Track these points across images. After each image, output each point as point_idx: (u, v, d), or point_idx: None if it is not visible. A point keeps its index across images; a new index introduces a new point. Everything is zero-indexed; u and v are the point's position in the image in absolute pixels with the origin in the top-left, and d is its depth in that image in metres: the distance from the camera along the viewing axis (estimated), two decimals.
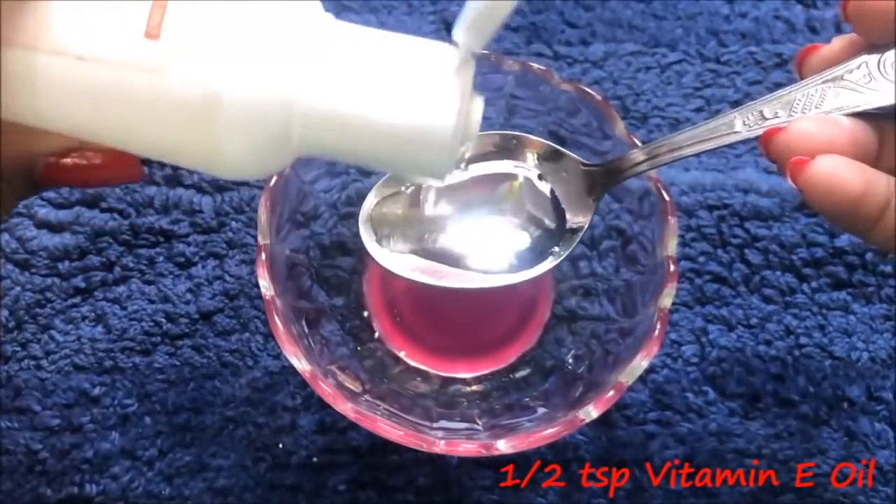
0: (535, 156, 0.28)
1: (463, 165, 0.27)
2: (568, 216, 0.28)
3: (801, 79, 0.24)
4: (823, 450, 0.34)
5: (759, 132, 0.23)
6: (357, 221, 0.28)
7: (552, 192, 0.28)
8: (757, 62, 0.39)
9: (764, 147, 0.23)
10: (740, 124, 0.24)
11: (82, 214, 0.36)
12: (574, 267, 0.35)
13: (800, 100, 0.23)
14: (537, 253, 0.28)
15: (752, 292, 0.36)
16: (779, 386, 0.34)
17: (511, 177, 0.28)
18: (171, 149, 0.19)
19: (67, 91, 0.18)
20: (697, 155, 0.25)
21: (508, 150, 0.28)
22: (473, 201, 0.29)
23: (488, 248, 0.28)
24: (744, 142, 0.24)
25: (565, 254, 0.27)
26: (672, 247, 0.28)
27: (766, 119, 0.23)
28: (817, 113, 0.23)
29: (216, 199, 0.37)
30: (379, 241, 0.28)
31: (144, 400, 0.34)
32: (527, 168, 0.28)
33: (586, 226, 0.27)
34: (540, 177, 0.28)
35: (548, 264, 0.28)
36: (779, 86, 0.38)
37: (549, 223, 0.28)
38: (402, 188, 0.29)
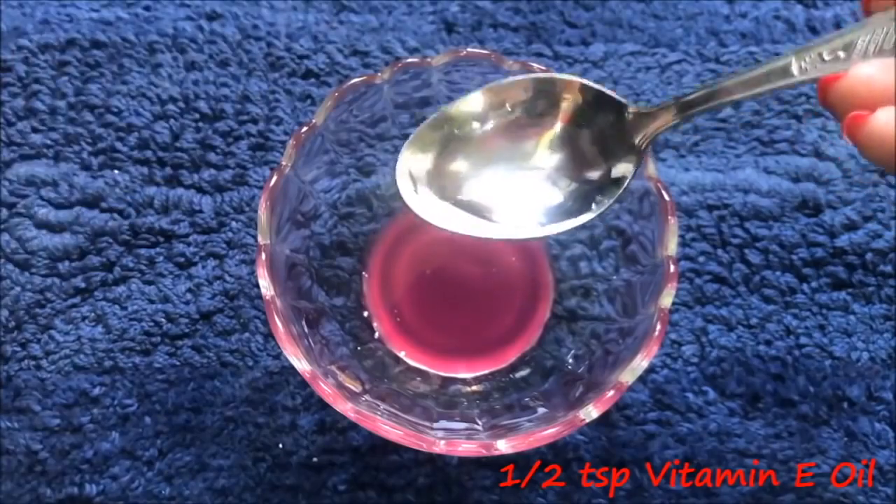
0: (579, 99, 0.27)
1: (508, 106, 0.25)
2: (612, 164, 0.26)
3: (867, 15, 0.21)
4: (823, 450, 0.34)
5: (816, 76, 0.21)
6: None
7: (595, 138, 0.27)
8: (757, 62, 0.39)
9: (821, 96, 0.21)
10: (796, 68, 0.21)
11: (82, 214, 0.36)
12: (574, 267, 0.35)
13: (864, 40, 0.21)
14: (579, 203, 0.27)
15: (752, 292, 0.36)
16: (779, 386, 0.34)
17: (553, 122, 0.27)
18: None
19: None
20: (751, 99, 0.23)
21: (550, 94, 0.27)
22: (513, 149, 0.28)
23: (528, 199, 0.27)
24: (798, 85, 0.22)
25: (608, 203, 0.26)
26: (672, 247, 0.28)
27: (824, 61, 0.21)
28: (881, 56, 0.20)
29: (216, 199, 0.37)
30: (415, 192, 0.27)
31: (144, 400, 0.34)
32: (569, 112, 0.27)
33: (631, 175, 0.26)
34: (582, 122, 0.27)
35: (590, 214, 0.26)
36: None
37: (593, 171, 0.27)
38: (438, 136, 0.27)
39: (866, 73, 0.20)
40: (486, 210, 0.27)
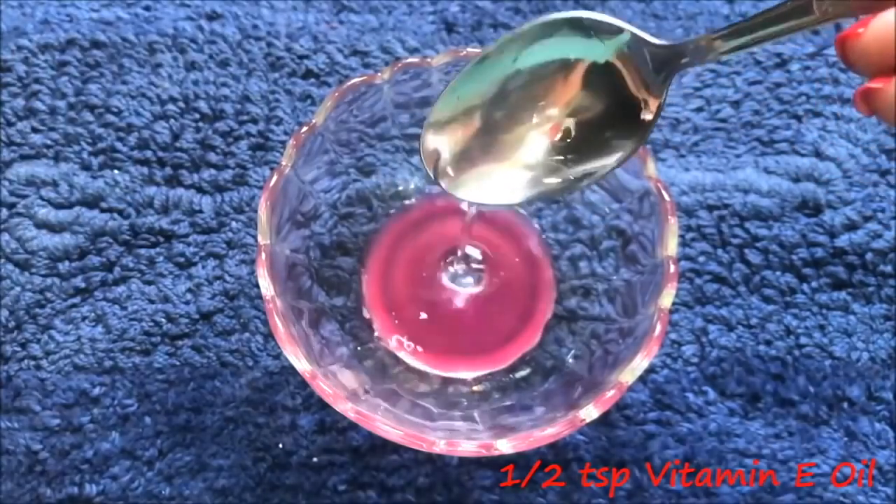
0: (594, 40, 0.25)
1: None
2: (634, 105, 0.25)
3: None
4: (823, 450, 0.34)
5: (840, 11, 0.19)
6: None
7: (617, 80, 0.25)
8: (757, 62, 0.39)
9: (840, 50, 0.20)
10: (816, 6, 0.20)
11: (82, 214, 0.36)
12: (574, 267, 0.35)
13: None
14: (601, 152, 0.26)
15: (752, 292, 0.36)
16: (779, 386, 0.34)
17: (567, 70, 0.25)
18: None
19: None
20: (781, 38, 0.21)
21: (566, 36, 0.25)
22: (528, 107, 0.26)
23: (554, 157, 0.26)
24: (823, 24, 0.20)
25: (633, 147, 0.25)
26: (672, 247, 0.28)
27: None
28: None
29: (216, 199, 0.37)
30: (441, 171, 0.27)
31: (144, 400, 0.34)
32: (585, 58, 0.25)
33: (656, 113, 0.25)
34: (601, 65, 0.25)
35: (614, 163, 0.25)
36: (779, 86, 0.39)
37: (614, 116, 0.25)
38: (456, 108, 0.26)
39: (887, 21, 0.19)
40: (517, 174, 0.27)
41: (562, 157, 0.27)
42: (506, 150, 0.27)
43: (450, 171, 0.27)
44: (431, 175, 0.27)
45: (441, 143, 0.27)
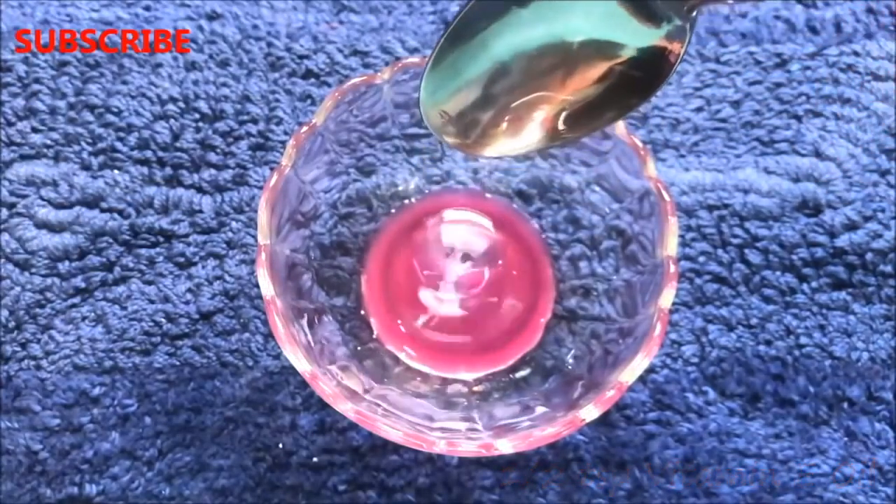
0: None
1: None
2: (659, 39, 0.23)
3: None
4: (823, 450, 0.34)
5: None
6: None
7: (626, 30, 0.23)
8: (757, 62, 0.39)
9: None
10: None
11: (82, 214, 0.36)
12: (574, 267, 0.35)
13: None
14: (618, 100, 0.24)
15: (752, 292, 0.36)
16: (779, 386, 0.34)
17: (576, 20, 0.23)
18: None
19: None
20: None
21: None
22: (536, 59, 0.24)
23: (564, 105, 0.25)
24: None
25: (664, 82, 0.23)
26: (672, 247, 0.28)
27: None
28: None
29: (216, 199, 0.37)
30: (450, 132, 0.25)
31: (144, 400, 0.34)
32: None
33: (685, 46, 0.23)
34: (614, 16, 0.23)
35: (646, 97, 0.24)
36: (779, 86, 0.39)
37: (639, 51, 0.23)
38: (457, 72, 0.25)
39: None
40: (530, 123, 0.25)
41: (572, 107, 0.25)
42: (512, 102, 0.25)
43: (454, 125, 0.25)
44: (436, 132, 0.25)
45: (442, 96, 0.25)
